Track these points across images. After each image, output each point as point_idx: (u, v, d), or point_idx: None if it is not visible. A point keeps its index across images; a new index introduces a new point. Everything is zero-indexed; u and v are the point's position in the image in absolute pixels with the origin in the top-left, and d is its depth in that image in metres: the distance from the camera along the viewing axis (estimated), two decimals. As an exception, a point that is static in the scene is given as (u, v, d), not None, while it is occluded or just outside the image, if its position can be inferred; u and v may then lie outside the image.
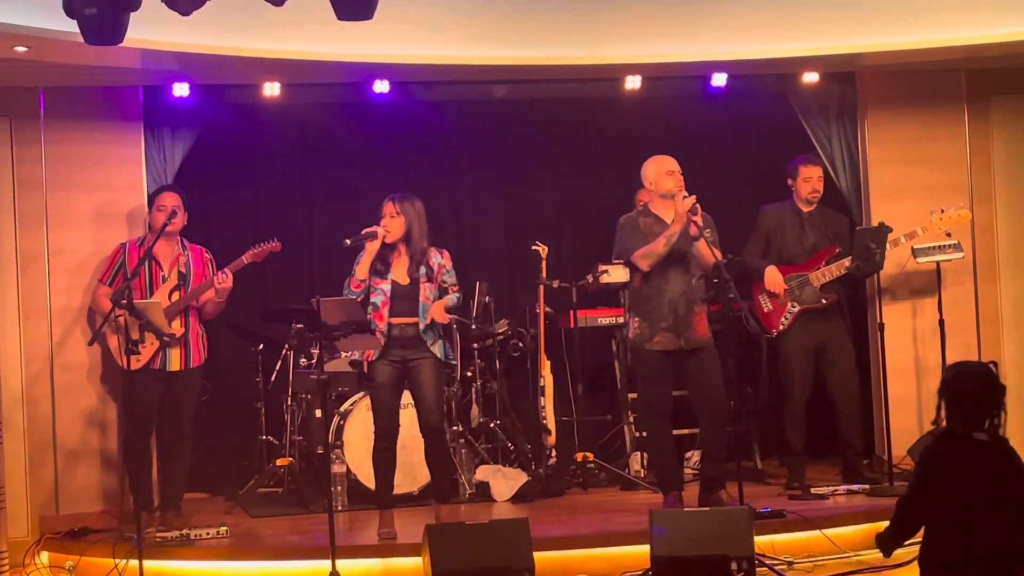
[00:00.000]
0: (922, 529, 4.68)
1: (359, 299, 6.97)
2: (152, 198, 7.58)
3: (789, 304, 7.90)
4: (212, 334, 7.66)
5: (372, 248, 6.99)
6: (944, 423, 4.71)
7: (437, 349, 7.01)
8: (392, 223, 7.01)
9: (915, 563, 4.69)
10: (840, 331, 7.99)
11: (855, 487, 7.63)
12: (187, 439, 7.44)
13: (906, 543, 4.77)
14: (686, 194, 6.95)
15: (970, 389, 4.60)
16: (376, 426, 7.03)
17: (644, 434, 8.16)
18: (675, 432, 7.46)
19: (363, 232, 6.99)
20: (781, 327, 7.92)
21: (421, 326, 6.96)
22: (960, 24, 7.59)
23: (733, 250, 7.53)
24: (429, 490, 7.49)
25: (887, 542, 4.77)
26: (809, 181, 8.01)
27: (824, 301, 7.89)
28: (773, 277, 7.92)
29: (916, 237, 7.91)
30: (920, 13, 7.56)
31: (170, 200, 7.38)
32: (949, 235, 7.94)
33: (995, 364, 4.84)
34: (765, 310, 7.96)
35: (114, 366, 7.53)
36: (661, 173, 7.13)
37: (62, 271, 7.77)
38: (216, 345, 7.76)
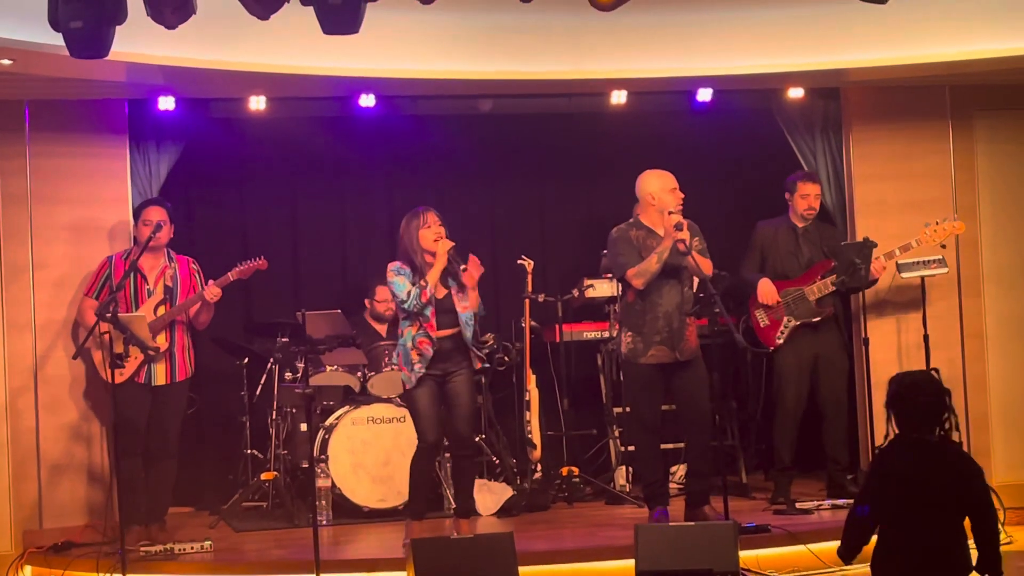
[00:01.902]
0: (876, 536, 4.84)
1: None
2: (137, 212, 7.55)
3: (785, 318, 7.88)
4: (197, 347, 7.64)
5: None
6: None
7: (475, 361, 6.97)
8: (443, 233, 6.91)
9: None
10: (835, 344, 7.97)
11: (840, 502, 7.60)
12: (172, 453, 7.42)
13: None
14: (671, 210, 6.96)
15: (924, 399, 4.84)
16: (423, 441, 6.86)
17: (630, 448, 8.15)
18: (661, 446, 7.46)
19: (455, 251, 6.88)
20: (778, 341, 7.89)
21: (466, 336, 6.88)
22: (944, 40, 7.62)
23: (721, 265, 7.54)
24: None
25: (843, 552, 4.92)
26: (806, 198, 7.98)
27: (821, 316, 7.85)
28: (766, 288, 7.89)
29: (911, 249, 7.91)
30: (904, 29, 7.58)
31: (155, 214, 7.37)
32: (944, 247, 7.95)
33: (936, 371, 5.00)
34: (762, 325, 7.94)
35: (98, 380, 7.50)
36: (665, 190, 7.09)
37: (46, 284, 7.74)
38: (201, 359, 7.73)
